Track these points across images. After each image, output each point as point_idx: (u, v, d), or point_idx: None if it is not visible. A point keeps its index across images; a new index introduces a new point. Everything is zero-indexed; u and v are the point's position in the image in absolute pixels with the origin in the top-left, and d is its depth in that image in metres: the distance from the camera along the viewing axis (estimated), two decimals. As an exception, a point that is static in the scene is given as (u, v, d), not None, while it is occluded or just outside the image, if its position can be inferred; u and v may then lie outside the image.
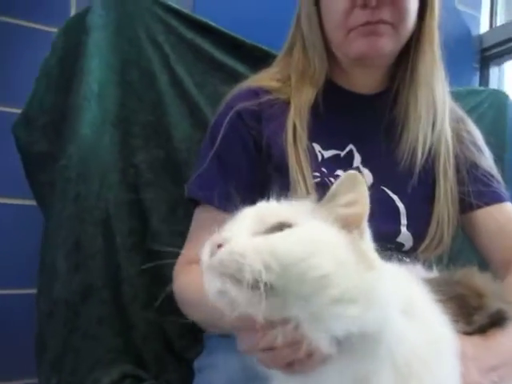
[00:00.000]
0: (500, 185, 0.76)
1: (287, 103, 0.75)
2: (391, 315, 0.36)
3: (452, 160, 0.74)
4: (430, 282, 0.49)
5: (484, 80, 1.58)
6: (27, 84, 0.89)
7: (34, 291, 0.89)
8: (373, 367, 0.36)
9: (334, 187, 0.40)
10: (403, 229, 0.70)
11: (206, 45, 1.02)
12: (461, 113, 0.84)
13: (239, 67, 1.04)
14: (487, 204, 0.73)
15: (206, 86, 1.01)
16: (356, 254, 0.35)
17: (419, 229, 0.71)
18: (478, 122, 0.90)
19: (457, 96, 0.89)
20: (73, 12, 1.03)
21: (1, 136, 0.94)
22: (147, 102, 0.96)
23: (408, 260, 0.67)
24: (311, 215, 0.38)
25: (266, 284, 0.32)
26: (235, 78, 0.96)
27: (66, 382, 0.83)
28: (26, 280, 0.96)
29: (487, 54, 1.57)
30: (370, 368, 0.36)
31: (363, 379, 0.36)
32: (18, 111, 0.89)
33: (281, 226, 0.37)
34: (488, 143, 0.83)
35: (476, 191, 0.73)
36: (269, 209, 0.41)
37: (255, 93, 0.77)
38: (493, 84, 1.59)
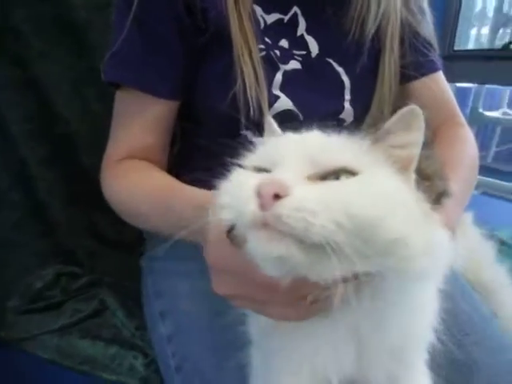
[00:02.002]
0: (435, 52, 0.70)
1: None
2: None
3: (398, 29, 0.65)
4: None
5: None
6: None
7: None
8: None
9: (389, 123, 0.34)
10: (346, 104, 0.64)
11: None
12: None
13: None
14: (424, 75, 0.69)
15: None
16: (418, 205, 0.32)
17: (362, 104, 0.66)
18: None
19: None
20: None
21: None
22: None
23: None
24: (369, 157, 0.33)
25: (334, 244, 0.27)
26: None
27: (-8, 293, 0.75)
28: None
29: None
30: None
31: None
32: None
33: (341, 172, 0.31)
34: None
35: (415, 62, 0.67)
36: (321, 145, 0.33)
37: None
38: None
